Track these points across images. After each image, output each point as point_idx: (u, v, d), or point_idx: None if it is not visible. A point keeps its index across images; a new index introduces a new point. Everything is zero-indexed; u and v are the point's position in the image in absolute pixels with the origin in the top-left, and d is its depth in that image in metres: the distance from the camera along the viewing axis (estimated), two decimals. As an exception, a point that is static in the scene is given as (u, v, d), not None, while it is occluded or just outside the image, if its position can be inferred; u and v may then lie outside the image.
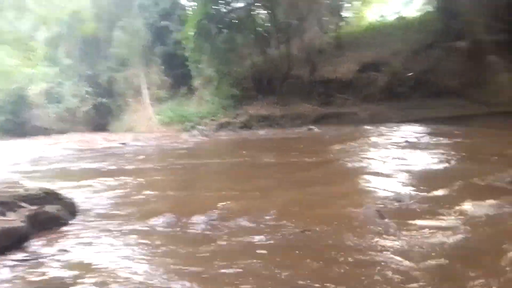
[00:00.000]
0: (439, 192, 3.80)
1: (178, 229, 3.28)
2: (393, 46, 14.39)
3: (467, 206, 3.26)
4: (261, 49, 17.31)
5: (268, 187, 4.60)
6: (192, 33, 16.38)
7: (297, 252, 2.69)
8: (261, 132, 13.13)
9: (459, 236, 2.73)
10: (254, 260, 2.56)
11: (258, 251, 2.71)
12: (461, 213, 3.16)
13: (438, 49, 12.68)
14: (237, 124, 15.10)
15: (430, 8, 15.28)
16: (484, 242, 2.65)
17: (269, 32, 17.27)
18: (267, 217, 3.37)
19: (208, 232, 3.16)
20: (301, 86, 16.40)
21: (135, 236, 3.17)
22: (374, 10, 20.20)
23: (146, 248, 2.92)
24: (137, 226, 3.40)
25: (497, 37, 11.05)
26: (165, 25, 20.34)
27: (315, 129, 12.11)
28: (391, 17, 18.09)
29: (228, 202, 3.89)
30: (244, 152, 8.33)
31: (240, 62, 17.61)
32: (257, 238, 2.93)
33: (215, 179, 6.01)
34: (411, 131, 9.30)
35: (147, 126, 18.82)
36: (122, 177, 5.78)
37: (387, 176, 4.71)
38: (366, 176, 4.73)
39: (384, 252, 2.57)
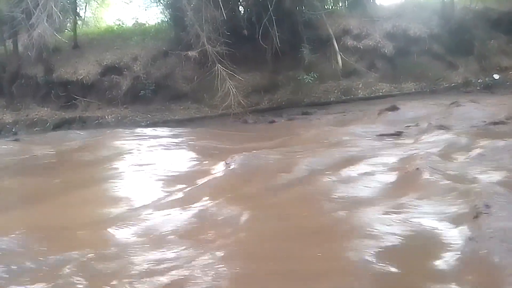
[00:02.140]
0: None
1: None
2: (133, 51, 14.91)
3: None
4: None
5: None
6: None
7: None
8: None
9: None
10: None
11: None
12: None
13: (173, 56, 14.03)
14: None
15: (164, 18, 16.50)
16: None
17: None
18: None
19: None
20: (35, 87, 14.85)
21: None
22: (112, 12, 20.21)
23: None
24: None
25: (219, 48, 13.11)
26: None
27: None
28: (128, 22, 18.48)
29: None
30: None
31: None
32: None
33: None
34: (157, 134, 10.14)
35: None
36: None
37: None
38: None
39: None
